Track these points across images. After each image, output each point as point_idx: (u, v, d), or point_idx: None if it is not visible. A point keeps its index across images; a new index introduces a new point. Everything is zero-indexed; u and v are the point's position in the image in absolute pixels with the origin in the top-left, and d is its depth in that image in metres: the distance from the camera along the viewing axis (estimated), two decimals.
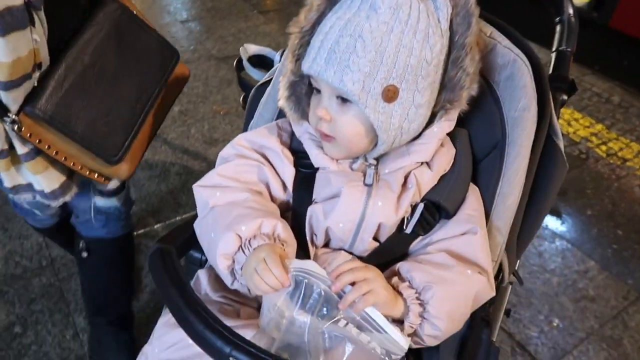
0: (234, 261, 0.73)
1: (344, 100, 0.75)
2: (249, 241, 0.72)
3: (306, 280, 0.67)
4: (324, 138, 0.79)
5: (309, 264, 0.69)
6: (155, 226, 1.78)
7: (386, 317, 0.70)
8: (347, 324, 0.67)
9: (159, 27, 2.95)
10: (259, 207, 0.76)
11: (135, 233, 1.73)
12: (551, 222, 1.96)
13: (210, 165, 2.15)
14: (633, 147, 2.38)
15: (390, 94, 0.72)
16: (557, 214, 2.01)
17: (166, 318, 0.81)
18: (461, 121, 0.84)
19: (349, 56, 0.70)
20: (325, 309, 0.67)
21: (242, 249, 0.72)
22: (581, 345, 1.55)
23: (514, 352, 1.52)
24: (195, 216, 0.82)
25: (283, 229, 0.74)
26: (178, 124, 2.24)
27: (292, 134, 0.87)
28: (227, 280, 0.75)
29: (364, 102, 0.72)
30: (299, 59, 0.79)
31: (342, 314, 0.67)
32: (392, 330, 0.67)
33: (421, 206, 0.78)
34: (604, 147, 2.36)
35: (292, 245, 0.76)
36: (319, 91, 0.78)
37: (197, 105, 2.37)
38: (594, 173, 2.22)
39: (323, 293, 0.66)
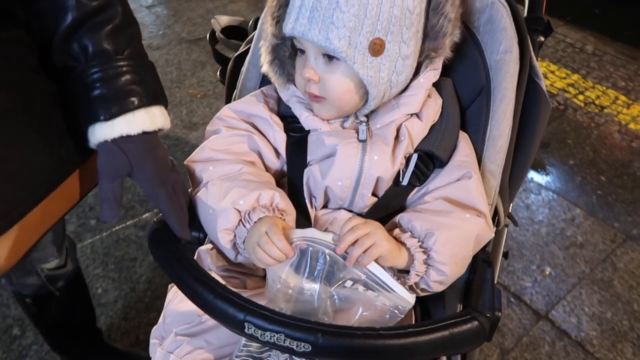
0: (235, 235, 0.72)
1: (330, 58, 0.73)
2: (249, 214, 0.71)
3: (311, 248, 0.67)
4: (314, 99, 0.78)
5: (310, 232, 0.69)
6: (144, 215, 1.75)
7: (392, 267, 0.71)
8: (353, 284, 0.67)
9: None
10: (254, 178, 0.75)
11: (124, 224, 1.71)
12: (536, 175, 1.98)
13: (193, 149, 2.11)
14: (609, 94, 2.41)
15: (377, 47, 0.72)
16: (541, 166, 2.03)
17: (174, 297, 0.80)
18: (445, 70, 0.84)
19: (332, 12, 0.69)
20: (332, 273, 0.67)
21: (242, 223, 0.71)
22: (574, 290, 1.59)
23: (510, 303, 1.55)
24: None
25: (281, 199, 0.73)
26: None
27: (279, 99, 0.85)
28: (230, 254, 0.75)
29: (351, 58, 0.71)
30: (279, 20, 0.77)
31: (348, 276, 0.67)
32: (398, 287, 0.68)
33: (415, 157, 0.78)
34: (581, 97, 2.39)
35: (291, 213, 0.75)
36: (303, 52, 0.76)
37: (172, 90, 2.33)
38: (573, 123, 2.24)
39: (328, 258, 0.67)
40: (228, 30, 1.13)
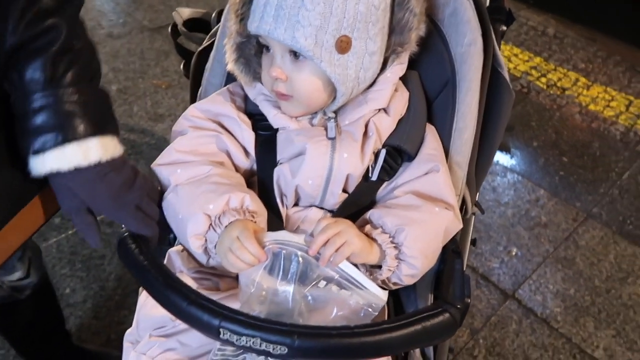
0: (206, 240, 0.72)
1: (297, 56, 0.73)
2: (219, 218, 0.70)
3: (284, 251, 0.67)
4: (281, 97, 0.77)
5: (282, 234, 0.69)
6: None
7: (364, 264, 0.72)
8: (327, 284, 0.68)
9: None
10: (224, 181, 0.74)
11: None
12: (501, 157, 2.03)
13: (159, 142, 2.08)
14: (570, 76, 2.47)
15: (343, 45, 0.71)
16: (506, 148, 2.08)
17: (146, 302, 0.78)
18: (411, 63, 0.84)
19: (297, 11, 0.68)
20: (305, 274, 0.67)
21: (212, 227, 0.71)
22: (539, 269, 1.65)
23: (478, 284, 1.60)
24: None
25: (251, 201, 0.73)
26: (119, 103, 2.14)
27: (246, 97, 0.84)
28: (202, 259, 0.74)
29: (318, 57, 0.71)
30: (242, 18, 0.76)
31: (322, 276, 0.67)
32: (370, 284, 0.69)
33: (383, 152, 0.79)
34: (543, 79, 2.44)
35: (262, 214, 0.75)
36: (268, 49, 0.75)
37: (135, 81, 2.26)
38: (536, 105, 2.30)
39: (301, 260, 0.67)
40: (190, 23, 1.10)
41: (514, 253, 1.69)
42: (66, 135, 0.62)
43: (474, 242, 1.10)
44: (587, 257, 1.69)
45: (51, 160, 0.62)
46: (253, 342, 0.57)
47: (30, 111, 0.61)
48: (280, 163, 0.79)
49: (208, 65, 0.92)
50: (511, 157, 2.05)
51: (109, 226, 1.66)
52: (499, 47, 0.92)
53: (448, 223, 0.77)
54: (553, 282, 1.61)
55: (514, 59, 2.54)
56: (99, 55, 0.69)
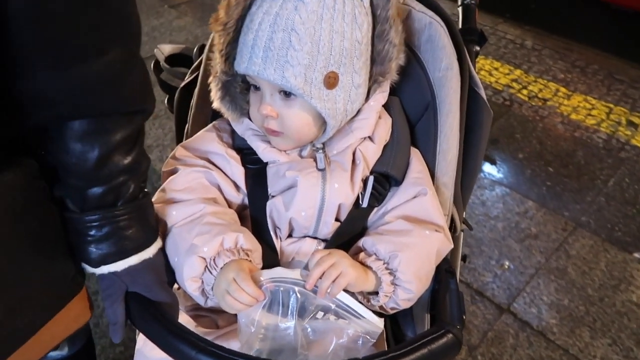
0: (202, 282, 0.72)
1: (287, 94, 0.74)
2: (214, 260, 0.71)
3: (281, 288, 0.68)
4: (272, 134, 0.78)
5: (278, 271, 0.70)
6: None
7: (360, 292, 0.73)
8: (324, 314, 0.69)
9: None
10: (217, 220, 0.75)
11: None
12: (488, 171, 2.05)
13: (149, 172, 2.07)
14: (551, 87, 2.52)
15: (331, 81, 0.73)
16: (492, 162, 2.10)
17: (145, 344, 0.78)
18: (392, 90, 0.86)
19: (286, 52, 0.70)
20: (303, 307, 0.68)
21: (208, 269, 0.71)
22: (532, 281, 1.65)
23: (473, 299, 1.60)
24: None
25: (245, 239, 0.73)
26: None
27: (233, 132, 0.85)
28: (200, 300, 0.75)
29: (308, 94, 0.72)
30: (228, 57, 0.77)
31: (319, 307, 0.69)
32: (367, 313, 0.70)
33: (371, 179, 0.80)
34: (525, 91, 2.48)
35: (257, 250, 0.76)
36: (257, 88, 0.76)
37: None
38: (519, 117, 2.33)
39: (299, 295, 0.68)
40: (172, 58, 1.11)
41: (506, 266, 1.70)
42: (125, 251, 0.65)
43: (464, 259, 1.11)
44: (578, 266, 1.70)
45: (109, 267, 0.65)
46: None
47: (93, 229, 0.63)
48: (272, 196, 0.80)
49: (193, 102, 0.93)
50: (498, 170, 2.07)
51: None
52: (474, 67, 0.94)
53: (439, 245, 0.79)
54: (547, 294, 1.62)
55: (494, 73, 2.59)
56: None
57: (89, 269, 0.66)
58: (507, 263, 1.71)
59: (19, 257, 0.59)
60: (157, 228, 0.71)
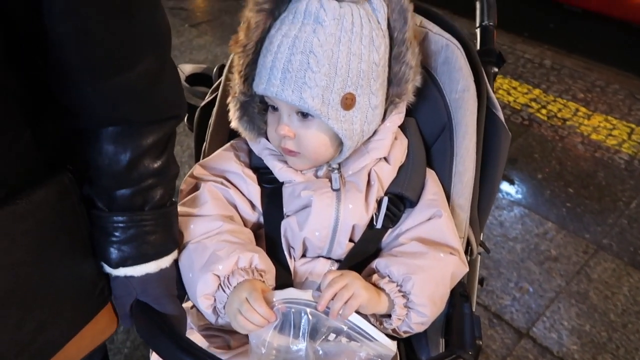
0: (215, 300, 0.72)
1: (304, 115, 0.75)
2: (228, 279, 0.71)
3: (293, 310, 0.68)
4: (289, 154, 0.79)
5: (290, 292, 0.70)
6: None
7: (374, 314, 0.73)
8: (336, 336, 0.68)
9: None
10: (233, 239, 0.75)
11: None
12: (507, 191, 2.03)
13: None
14: (570, 106, 2.49)
15: (348, 102, 0.73)
16: (510, 182, 2.07)
17: None
18: (408, 111, 0.86)
19: (304, 73, 0.71)
20: (315, 329, 0.68)
21: (221, 288, 0.71)
22: (552, 305, 1.61)
23: (491, 323, 1.56)
24: None
25: (260, 260, 0.73)
26: None
27: (250, 152, 0.86)
28: (211, 318, 0.75)
29: (326, 115, 0.73)
30: (246, 78, 0.78)
31: (331, 329, 0.68)
32: (379, 335, 0.69)
33: (386, 200, 0.80)
34: (544, 111, 2.46)
35: (270, 271, 0.76)
36: (275, 108, 0.77)
37: None
38: (538, 137, 2.31)
39: (311, 317, 0.68)
40: (192, 78, 1.13)
41: (525, 289, 1.66)
42: (146, 256, 0.66)
43: (481, 282, 1.09)
44: (600, 290, 1.66)
45: (127, 270, 0.66)
46: None
47: (117, 230, 0.64)
48: (287, 216, 0.80)
49: (211, 121, 0.94)
50: (516, 191, 2.04)
51: None
52: (492, 88, 0.94)
53: (454, 268, 0.78)
54: (567, 318, 1.57)
55: (513, 92, 2.57)
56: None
57: (107, 268, 0.67)
58: (526, 286, 1.67)
59: (50, 272, 0.61)
60: (177, 239, 0.72)
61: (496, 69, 1.00)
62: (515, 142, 2.25)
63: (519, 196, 2.01)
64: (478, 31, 1.03)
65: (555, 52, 2.92)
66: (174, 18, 3.23)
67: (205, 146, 0.94)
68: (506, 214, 1.93)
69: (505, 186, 2.05)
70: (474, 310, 0.96)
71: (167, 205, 0.67)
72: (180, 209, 0.80)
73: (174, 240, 0.70)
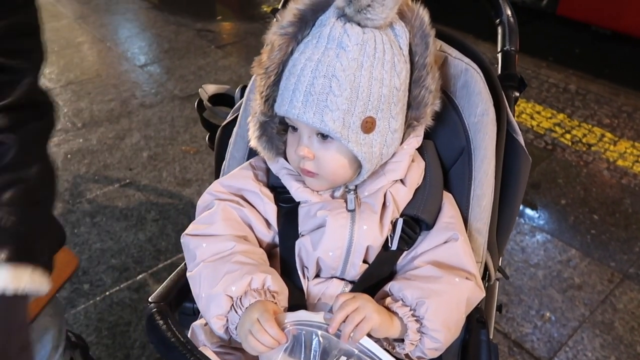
0: (227, 320, 0.73)
1: (324, 137, 0.76)
2: (240, 300, 0.72)
3: (304, 332, 0.68)
4: (308, 174, 0.79)
5: (301, 314, 0.70)
6: (138, 277, 1.74)
7: (386, 338, 0.72)
8: (347, 359, 0.68)
9: (118, 75, 2.96)
10: (247, 260, 0.76)
11: (118, 287, 1.70)
12: (529, 216, 1.99)
13: (186, 206, 2.13)
14: (596, 132, 2.45)
15: (368, 125, 0.74)
16: (533, 207, 2.04)
17: None
18: (426, 134, 0.86)
19: (326, 97, 0.72)
20: (326, 352, 0.68)
21: (234, 309, 0.72)
22: (575, 335, 1.57)
23: (511, 351, 1.52)
24: (179, 262, 0.80)
25: (273, 281, 0.74)
26: (149, 170, 2.22)
27: (268, 170, 0.87)
28: (224, 337, 0.76)
29: (346, 138, 0.73)
30: (267, 99, 0.80)
31: (342, 351, 0.67)
32: (390, 359, 0.68)
33: (400, 221, 0.79)
34: (568, 136, 2.43)
35: (283, 293, 0.76)
36: (295, 129, 0.78)
37: (165, 148, 2.36)
38: (562, 162, 2.27)
39: (322, 339, 0.68)
40: (215, 98, 1.15)
41: (547, 317, 1.62)
42: None
43: (499, 309, 1.07)
44: (626, 321, 1.61)
45: None
46: None
47: None
48: (302, 235, 0.81)
49: (231, 140, 0.96)
50: (539, 216, 2.01)
51: (136, 292, 1.68)
52: (513, 113, 0.93)
53: (469, 293, 0.77)
54: (591, 349, 1.52)
55: (536, 117, 2.55)
56: (56, 185, 0.69)
57: None
58: (548, 314, 1.63)
59: None
60: (40, 265, 0.62)
61: (517, 94, 0.99)
62: (538, 167, 2.22)
63: (542, 222, 1.98)
64: (499, 56, 1.03)
65: (581, 77, 2.89)
66: (201, 40, 3.32)
67: (225, 164, 0.96)
68: (528, 240, 1.89)
69: (527, 211, 2.01)
70: (491, 337, 0.94)
71: (25, 206, 0.60)
72: (193, 226, 0.82)
73: (23, 253, 0.60)
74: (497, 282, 1.01)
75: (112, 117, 2.56)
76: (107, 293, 1.68)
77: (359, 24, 0.73)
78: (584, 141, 2.39)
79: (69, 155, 2.29)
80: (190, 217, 1.87)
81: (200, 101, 1.16)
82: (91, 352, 1.51)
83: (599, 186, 2.14)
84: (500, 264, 0.98)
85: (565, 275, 1.75)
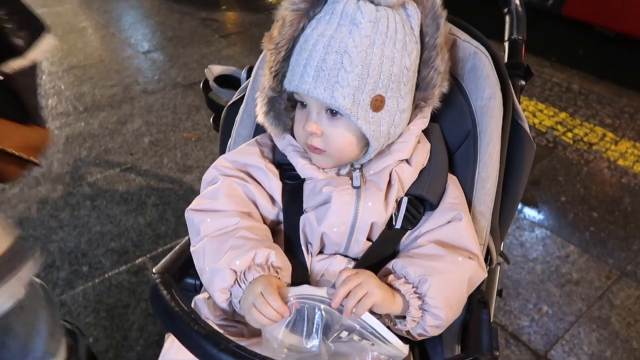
0: (231, 294, 0.73)
1: (333, 113, 0.76)
2: (244, 274, 0.72)
3: (306, 306, 0.68)
4: (315, 151, 0.80)
5: (304, 289, 0.71)
6: (137, 261, 1.74)
7: (389, 315, 0.72)
8: (349, 334, 0.68)
9: (121, 60, 2.96)
10: (251, 235, 0.76)
11: (117, 270, 1.70)
12: (529, 212, 2.00)
13: (187, 192, 2.13)
14: (597, 131, 2.46)
15: (378, 104, 0.74)
16: (533, 203, 2.05)
17: (171, 347, 0.79)
18: (433, 116, 0.86)
19: (337, 72, 0.72)
20: (328, 326, 0.68)
21: (237, 283, 0.72)
22: (572, 329, 1.57)
23: (508, 343, 1.53)
24: (182, 243, 0.82)
25: (276, 256, 0.74)
26: (150, 155, 2.22)
27: (274, 147, 0.87)
28: (227, 311, 0.76)
29: (355, 115, 0.74)
30: (277, 74, 0.79)
31: (344, 326, 0.68)
32: (392, 337, 0.69)
33: (405, 200, 0.80)
34: (569, 134, 2.43)
35: (287, 269, 0.76)
36: (304, 105, 0.78)
37: (167, 134, 2.35)
38: (563, 160, 2.28)
39: (324, 313, 0.68)
40: (221, 79, 1.15)
41: (544, 311, 1.63)
42: None
43: (500, 293, 1.08)
44: (623, 317, 1.61)
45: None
46: None
47: None
48: (306, 211, 0.81)
49: (238, 118, 0.96)
50: (538, 212, 2.01)
51: (135, 275, 1.68)
52: (519, 101, 0.94)
53: (472, 272, 0.77)
54: (587, 343, 1.53)
55: (538, 115, 2.55)
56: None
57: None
58: (545, 308, 1.64)
59: None
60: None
61: (523, 82, 1.00)
62: (539, 164, 2.23)
63: (541, 217, 1.98)
64: (506, 44, 1.03)
65: (584, 77, 2.90)
66: (205, 29, 3.32)
67: (231, 141, 0.96)
68: (527, 235, 1.90)
69: (527, 207, 2.02)
70: (491, 320, 0.95)
71: None
72: (198, 200, 0.82)
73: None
74: (499, 267, 1.01)
75: (114, 103, 2.56)
76: (106, 275, 1.68)
77: (372, 2, 0.73)
78: (585, 140, 2.40)
79: (70, 139, 2.29)
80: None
81: (206, 81, 1.16)
82: (89, 333, 1.51)
83: (599, 184, 2.15)
84: (502, 249, 0.98)
85: (563, 271, 1.76)
